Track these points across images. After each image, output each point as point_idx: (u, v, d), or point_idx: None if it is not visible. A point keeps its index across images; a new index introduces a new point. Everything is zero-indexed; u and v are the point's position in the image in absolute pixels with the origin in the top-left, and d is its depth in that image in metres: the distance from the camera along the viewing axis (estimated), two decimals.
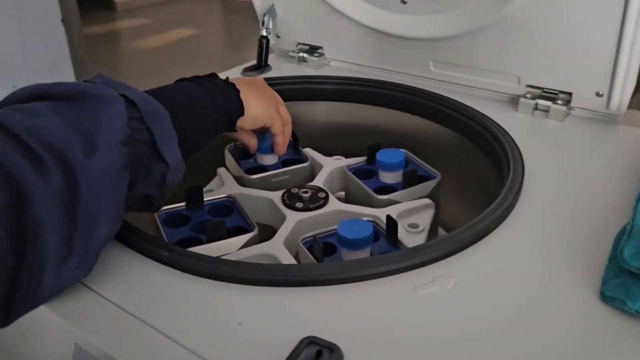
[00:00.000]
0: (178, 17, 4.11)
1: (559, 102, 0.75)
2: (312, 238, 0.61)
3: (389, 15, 0.83)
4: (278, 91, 0.87)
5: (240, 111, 0.65)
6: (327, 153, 0.82)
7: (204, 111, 0.61)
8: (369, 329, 0.43)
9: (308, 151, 0.82)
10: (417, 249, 0.51)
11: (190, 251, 0.50)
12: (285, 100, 0.88)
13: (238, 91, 0.65)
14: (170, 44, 3.67)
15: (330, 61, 0.94)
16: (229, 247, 0.62)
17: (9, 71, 2.08)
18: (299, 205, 0.69)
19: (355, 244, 0.59)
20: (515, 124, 0.74)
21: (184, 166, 0.53)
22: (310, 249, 0.60)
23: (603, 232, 0.52)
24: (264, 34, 0.91)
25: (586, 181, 0.62)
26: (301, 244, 0.61)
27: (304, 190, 0.71)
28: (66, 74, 2.23)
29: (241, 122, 0.66)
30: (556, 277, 0.48)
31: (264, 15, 0.91)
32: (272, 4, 0.87)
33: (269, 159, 0.79)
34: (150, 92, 0.54)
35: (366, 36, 0.86)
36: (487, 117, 0.74)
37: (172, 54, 3.42)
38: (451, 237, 0.52)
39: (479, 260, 0.50)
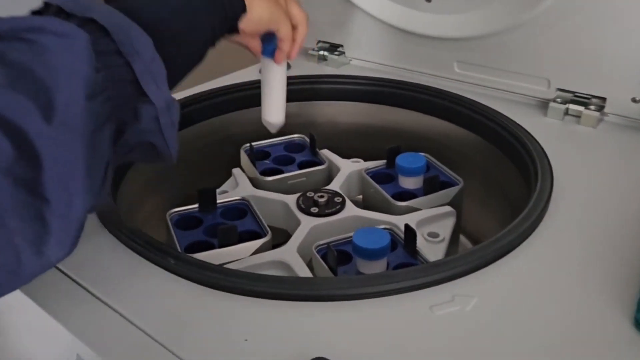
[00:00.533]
0: None
1: (592, 107, 0.71)
2: (326, 246, 0.58)
3: (412, 14, 0.79)
4: (295, 91, 0.84)
5: (242, 8, 0.54)
6: (346, 155, 0.79)
7: (197, 9, 0.49)
8: (382, 349, 0.40)
9: (325, 153, 0.79)
10: (436, 264, 0.48)
11: (197, 259, 0.48)
12: (303, 100, 0.86)
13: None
14: None
15: (351, 60, 0.91)
16: (241, 253, 0.59)
17: None
18: (314, 210, 0.66)
19: (371, 254, 0.56)
20: (544, 130, 0.70)
21: (178, 103, 0.44)
22: (324, 258, 0.57)
23: (638, 248, 0.48)
24: None
25: (619, 193, 0.59)
26: (315, 252, 0.58)
27: (319, 194, 0.68)
28: None
29: (243, 24, 0.55)
30: (586, 298, 0.44)
31: None
32: None
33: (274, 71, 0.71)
34: (130, 5, 0.44)
35: (389, 35, 0.83)
36: (514, 122, 0.70)
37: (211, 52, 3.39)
38: (473, 252, 0.49)
39: (502, 278, 0.46)
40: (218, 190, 0.73)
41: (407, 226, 0.59)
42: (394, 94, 0.82)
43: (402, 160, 0.71)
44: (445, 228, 0.65)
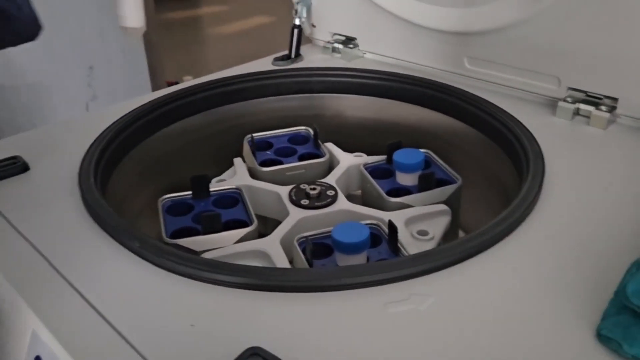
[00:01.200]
0: (256, 5, 4.15)
1: (603, 107, 0.67)
2: (307, 238, 0.58)
3: (422, 7, 0.77)
4: (305, 83, 0.84)
5: None
6: (351, 149, 0.78)
7: None
8: (326, 344, 0.39)
9: (329, 146, 0.78)
10: (398, 261, 0.47)
11: (160, 244, 0.48)
12: (312, 92, 0.85)
13: None
14: (247, 31, 3.71)
15: (365, 53, 0.90)
16: (224, 241, 0.60)
17: (86, 52, 2.16)
18: (305, 202, 0.66)
19: (349, 248, 0.55)
20: (550, 130, 0.67)
21: None
22: (304, 250, 0.57)
23: (622, 258, 0.45)
24: (297, 22, 0.88)
25: (618, 198, 0.55)
26: (296, 244, 0.58)
27: (312, 187, 0.68)
28: (138, 57, 2.30)
29: None
30: (551, 308, 0.42)
31: (297, 3, 0.88)
32: None
33: None
34: None
35: (401, 28, 0.81)
36: (517, 121, 0.67)
37: (248, 41, 3.46)
38: (440, 251, 0.47)
39: (466, 280, 0.45)
40: (217, 179, 0.74)
41: (389, 222, 0.58)
42: (403, 89, 0.81)
43: (399, 156, 0.69)
44: (436, 226, 0.63)
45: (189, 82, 0.83)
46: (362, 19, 0.86)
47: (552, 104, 0.71)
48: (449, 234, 0.67)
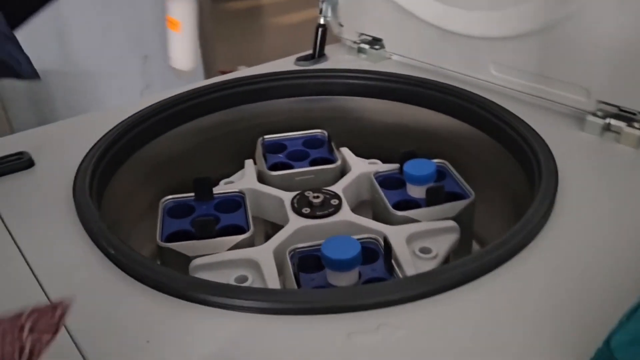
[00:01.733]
0: None
1: (636, 124, 0.61)
2: (298, 250, 0.56)
3: (447, 10, 0.73)
4: (325, 84, 0.81)
5: None
6: (367, 155, 0.75)
7: None
8: None
9: (343, 151, 0.75)
10: (369, 288, 0.44)
11: (135, 253, 0.47)
12: (332, 94, 0.82)
13: None
14: (307, 21, 3.70)
15: (391, 55, 0.86)
16: (217, 247, 0.59)
17: (141, 41, 2.21)
18: (306, 210, 0.64)
19: (337, 265, 0.53)
20: (576, 146, 0.62)
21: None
22: (294, 263, 0.55)
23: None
24: (322, 21, 0.86)
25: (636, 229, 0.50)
26: (287, 256, 0.56)
27: (316, 194, 0.66)
28: None
29: None
30: (533, 349, 0.38)
31: (323, 2, 0.85)
32: None
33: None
34: None
35: (426, 31, 0.77)
36: (537, 135, 0.62)
37: (307, 32, 3.44)
38: (419, 278, 0.44)
39: (443, 313, 0.41)
40: (225, 181, 0.73)
41: (385, 239, 0.55)
42: (423, 94, 0.77)
43: (409, 166, 0.66)
44: (441, 244, 0.60)
45: (240, 71, 0.83)
46: (388, 20, 0.82)
47: (581, 117, 0.66)
48: (461, 250, 0.63)
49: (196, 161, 0.79)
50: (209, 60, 2.47)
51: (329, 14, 0.85)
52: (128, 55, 2.17)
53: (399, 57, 0.85)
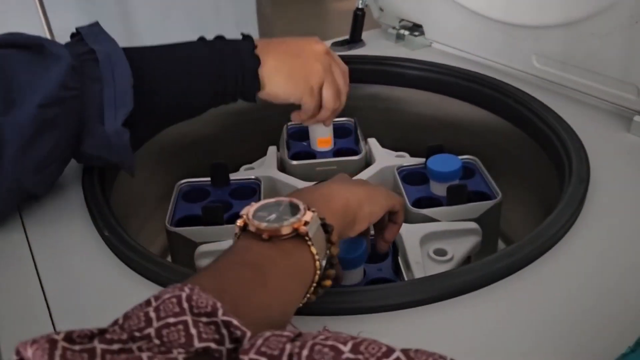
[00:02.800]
0: None
1: None
2: None
3: None
4: (358, 71, 0.78)
5: (256, 86, 0.58)
6: (396, 147, 0.72)
7: (197, 77, 0.56)
8: None
9: (370, 142, 0.72)
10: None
11: (128, 237, 0.47)
12: (364, 82, 0.79)
13: (257, 64, 0.58)
14: None
15: (431, 43, 0.82)
16: (224, 234, 0.58)
17: (200, 23, 2.24)
18: None
19: (342, 263, 0.50)
20: (619, 148, 0.57)
21: (127, 133, 0.49)
22: None
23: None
24: (360, 5, 0.82)
25: None
26: None
27: None
28: (250, 30, 2.34)
29: (262, 95, 0.60)
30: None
31: None
32: None
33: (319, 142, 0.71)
34: (138, 50, 0.53)
35: (469, 19, 0.73)
36: (574, 134, 0.57)
37: (368, 17, 3.37)
38: (402, 286, 0.41)
39: (427, 323, 0.38)
40: (245, 167, 0.72)
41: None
42: (459, 85, 0.73)
43: (434, 162, 0.62)
44: (459, 247, 0.56)
45: None
46: (430, 7, 0.78)
47: (629, 117, 0.60)
48: (485, 252, 0.59)
49: (221, 145, 0.78)
50: None
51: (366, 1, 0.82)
52: (187, 36, 2.22)
53: (439, 45, 0.81)
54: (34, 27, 1.68)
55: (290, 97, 0.60)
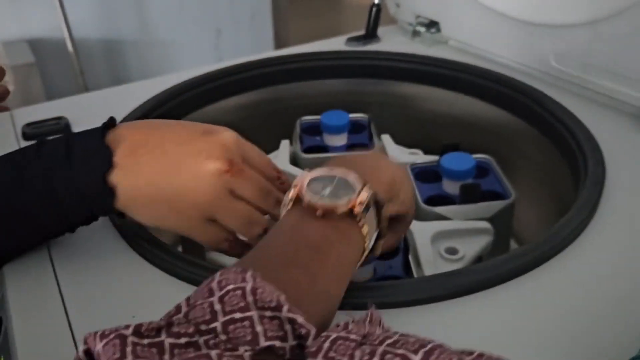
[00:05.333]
0: None
1: None
2: None
3: None
4: (373, 67, 0.77)
5: (106, 200, 0.40)
6: (410, 144, 0.72)
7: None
8: None
9: (384, 138, 0.72)
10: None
11: (140, 229, 0.47)
12: (379, 77, 0.79)
13: (109, 168, 0.40)
14: None
15: (447, 40, 0.82)
16: None
17: (215, 15, 2.25)
18: None
19: None
20: (636, 154, 0.56)
21: None
22: None
23: None
24: (376, 1, 0.82)
25: None
26: None
27: None
28: (265, 23, 2.34)
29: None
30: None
31: None
32: None
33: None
34: None
35: (486, 17, 0.72)
36: (590, 135, 0.57)
37: (385, 11, 3.36)
38: (411, 283, 0.41)
39: (434, 321, 0.39)
40: None
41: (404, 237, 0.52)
42: (475, 83, 0.72)
43: (447, 160, 0.62)
44: (470, 246, 0.56)
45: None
46: (447, 3, 0.78)
47: None
48: (498, 252, 0.59)
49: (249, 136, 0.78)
50: (281, 37, 2.47)
51: None
52: (202, 28, 2.23)
53: (455, 42, 0.81)
54: (51, 16, 1.69)
55: (162, 228, 0.43)
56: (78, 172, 0.39)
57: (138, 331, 0.26)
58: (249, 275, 0.28)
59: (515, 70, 0.72)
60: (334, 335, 0.27)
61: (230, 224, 0.42)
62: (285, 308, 0.27)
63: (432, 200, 0.62)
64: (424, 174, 0.66)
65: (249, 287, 0.28)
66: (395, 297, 0.40)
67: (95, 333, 0.26)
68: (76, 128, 0.65)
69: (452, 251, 0.55)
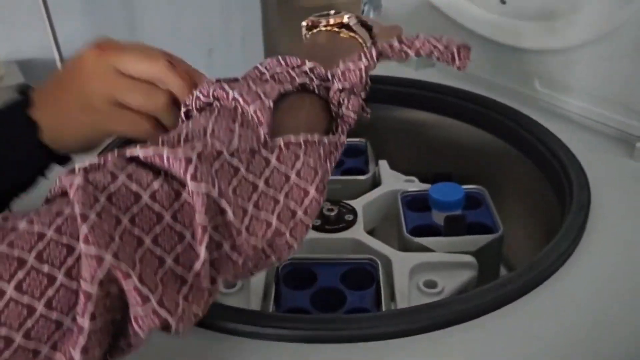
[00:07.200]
0: None
1: None
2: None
3: (493, 20, 0.69)
4: (373, 90, 0.77)
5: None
6: (408, 170, 0.73)
7: None
8: None
9: (381, 164, 0.73)
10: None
11: None
12: (382, 102, 0.79)
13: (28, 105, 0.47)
14: None
15: (435, 63, 0.82)
16: None
17: (207, 36, 2.26)
18: (317, 222, 0.62)
19: None
20: (621, 176, 0.57)
21: None
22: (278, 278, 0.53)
23: None
24: None
25: None
26: (279, 267, 0.54)
27: (331, 207, 0.63)
28: (256, 42, 2.36)
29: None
30: None
31: (365, 4, 0.82)
32: None
33: None
34: None
35: (472, 40, 0.73)
36: (574, 159, 0.58)
37: None
38: (389, 315, 0.41)
39: (414, 355, 0.39)
40: None
41: (377, 266, 0.53)
42: (461, 106, 0.74)
43: (436, 190, 0.63)
44: (451, 280, 0.55)
45: None
46: (433, 27, 0.79)
47: (632, 143, 0.60)
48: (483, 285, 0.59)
49: None
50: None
51: (371, 16, 0.82)
52: (194, 48, 2.25)
53: (443, 65, 0.81)
54: (40, 37, 1.70)
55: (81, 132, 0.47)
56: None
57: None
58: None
59: (500, 93, 0.73)
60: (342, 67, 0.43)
61: (132, 99, 0.45)
62: (308, 64, 0.42)
63: (419, 230, 0.62)
64: (415, 203, 0.66)
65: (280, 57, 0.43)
66: (376, 329, 0.40)
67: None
68: None
69: (431, 284, 0.54)
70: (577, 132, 0.64)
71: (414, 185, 0.69)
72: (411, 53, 0.48)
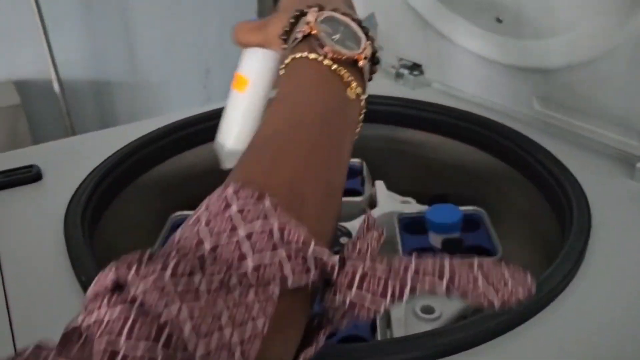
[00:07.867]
0: None
1: None
2: None
3: (490, 39, 0.69)
4: (371, 111, 0.77)
5: None
6: (405, 191, 0.72)
7: None
8: None
9: (377, 185, 0.72)
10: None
11: None
12: (380, 122, 0.78)
13: None
14: None
15: (430, 83, 0.82)
16: None
17: (204, 56, 2.27)
18: None
19: None
20: (622, 196, 0.57)
21: None
22: None
23: None
24: None
25: None
26: None
27: None
28: None
29: None
30: None
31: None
32: (373, 13, 0.78)
33: None
34: None
35: (469, 60, 0.74)
36: (575, 181, 0.57)
37: None
38: (385, 344, 0.40)
39: None
40: None
41: None
42: (460, 127, 0.73)
43: (432, 212, 0.63)
44: (449, 305, 0.54)
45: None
46: (430, 46, 0.79)
47: (632, 163, 0.59)
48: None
49: (221, 177, 0.77)
50: None
51: None
52: (191, 68, 2.25)
53: (439, 85, 0.81)
54: (37, 58, 1.70)
55: None
56: None
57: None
58: (267, 203, 0.29)
59: (498, 113, 0.72)
60: (360, 272, 0.29)
61: None
62: (311, 246, 0.28)
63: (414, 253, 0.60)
64: (411, 225, 0.65)
65: (275, 227, 0.28)
66: None
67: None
68: (49, 176, 0.63)
69: (428, 310, 0.53)
70: (577, 153, 0.64)
71: (411, 207, 0.69)
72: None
